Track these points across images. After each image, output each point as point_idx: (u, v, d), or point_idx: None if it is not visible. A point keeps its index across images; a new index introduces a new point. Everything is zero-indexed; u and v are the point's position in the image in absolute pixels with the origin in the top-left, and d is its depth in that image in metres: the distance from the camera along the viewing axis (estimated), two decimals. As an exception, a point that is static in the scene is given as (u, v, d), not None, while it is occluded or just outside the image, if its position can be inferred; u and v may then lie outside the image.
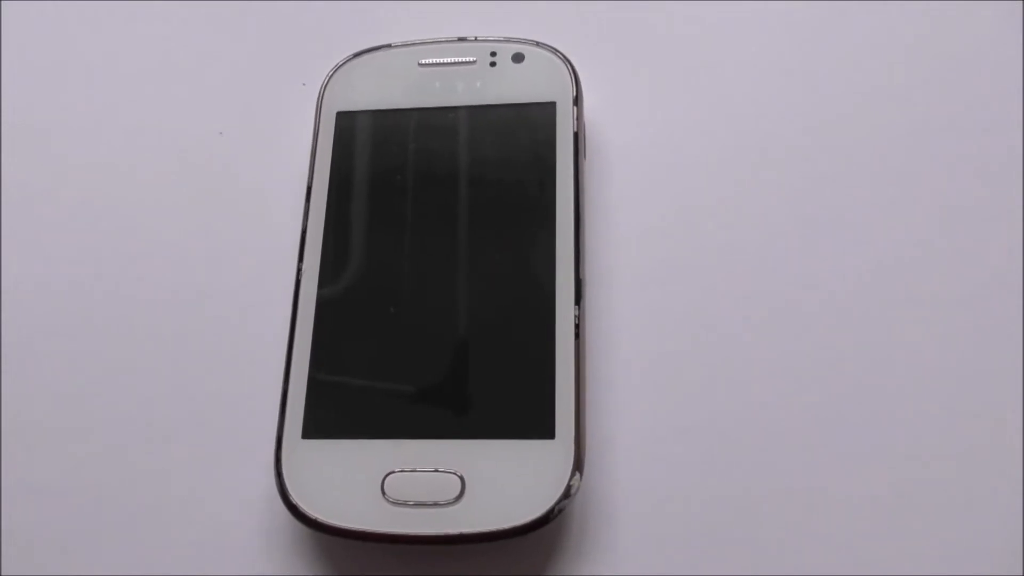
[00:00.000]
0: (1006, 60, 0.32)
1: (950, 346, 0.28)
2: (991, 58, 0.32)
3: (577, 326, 0.26)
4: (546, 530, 0.25)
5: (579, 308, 0.26)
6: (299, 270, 0.28)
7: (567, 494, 0.24)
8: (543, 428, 0.25)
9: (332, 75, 0.31)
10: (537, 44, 0.31)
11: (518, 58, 0.30)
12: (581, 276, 0.27)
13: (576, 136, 0.29)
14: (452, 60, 0.31)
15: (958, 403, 0.27)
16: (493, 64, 0.30)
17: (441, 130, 0.30)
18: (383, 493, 0.25)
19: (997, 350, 0.27)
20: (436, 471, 0.25)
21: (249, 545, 0.27)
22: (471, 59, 0.31)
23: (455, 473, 0.25)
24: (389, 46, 0.31)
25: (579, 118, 0.29)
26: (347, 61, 0.31)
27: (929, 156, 0.30)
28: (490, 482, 0.25)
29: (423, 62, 0.31)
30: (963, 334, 0.28)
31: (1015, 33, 0.32)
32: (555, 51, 0.30)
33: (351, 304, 0.28)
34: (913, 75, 0.32)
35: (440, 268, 0.28)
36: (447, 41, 0.31)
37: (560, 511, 0.24)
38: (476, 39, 0.31)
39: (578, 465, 0.25)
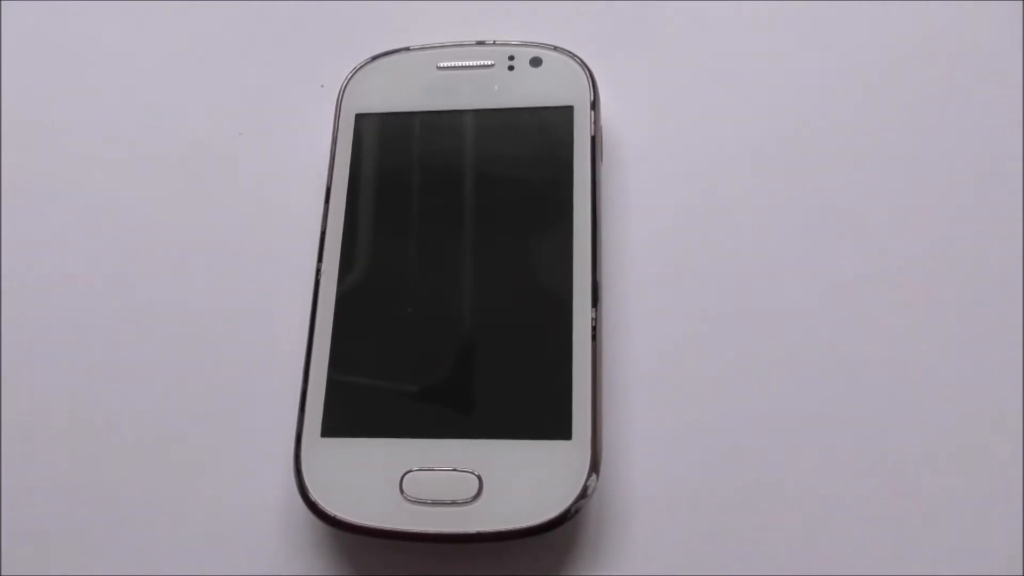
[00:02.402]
0: (1007, 60, 0.32)
1: (956, 348, 0.28)
2: (993, 59, 0.32)
3: (594, 328, 0.26)
4: (562, 530, 0.25)
5: (596, 311, 0.27)
6: (318, 271, 0.28)
7: (584, 494, 0.24)
8: (560, 429, 0.25)
9: (351, 77, 0.31)
10: (555, 48, 0.31)
11: (536, 62, 0.31)
12: (598, 279, 0.27)
13: (593, 140, 0.29)
14: (470, 64, 0.31)
15: (961, 405, 0.27)
16: (511, 68, 0.31)
17: (459, 133, 0.30)
18: (401, 491, 0.25)
19: (1000, 352, 0.28)
20: (454, 470, 0.25)
21: (268, 542, 0.27)
22: (489, 63, 0.31)
23: (473, 472, 0.25)
24: (408, 49, 0.32)
25: (596, 122, 0.29)
26: (366, 64, 0.31)
27: (938, 158, 0.31)
28: (507, 482, 0.25)
29: (441, 65, 0.31)
30: (968, 337, 0.28)
31: (1015, 33, 0.32)
32: (573, 55, 0.31)
33: (370, 304, 0.28)
34: (922, 77, 0.32)
35: (458, 270, 0.28)
36: (465, 45, 0.31)
37: (576, 511, 0.24)
38: (494, 43, 0.31)
39: (595, 466, 0.25)
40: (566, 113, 0.30)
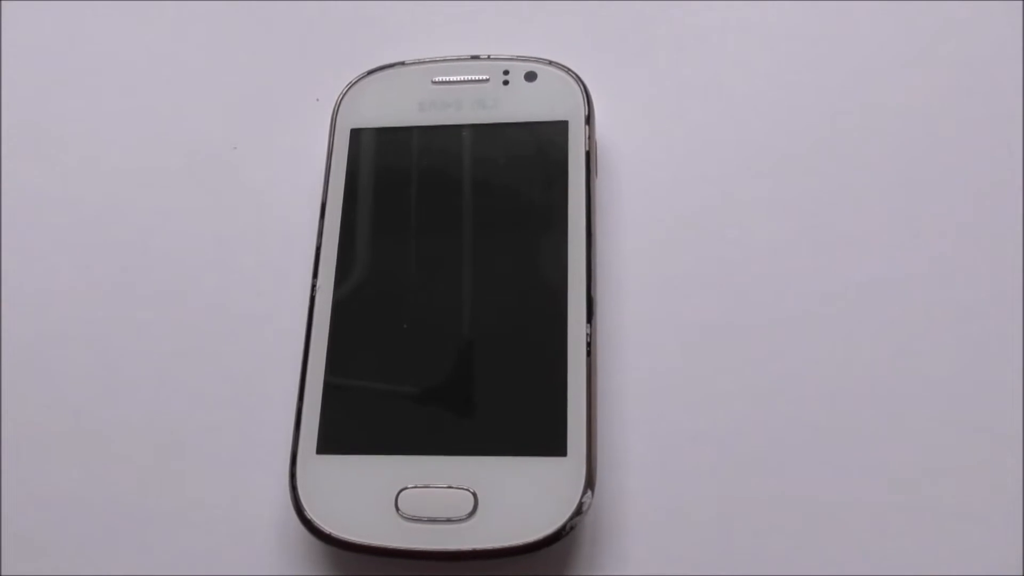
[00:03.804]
0: (1007, 63, 0.32)
1: (956, 356, 0.28)
2: (993, 63, 0.32)
3: (589, 344, 0.26)
4: (558, 547, 0.25)
5: (591, 326, 0.27)
6: (313, 286, 0.28)
7: (579, 511, 0.25)
8: (555, 446, 0.25)
9: (346, 92, 0.31)
10: (550, 63, 0.31)
11: (531, 77, 0.31)
12: (593, 294, 0.27)
13: (588, 155, 0.29)
14: (465, 78, 0.31)
15: (961, 410, 0.27)
16: (506, 83, 0.31)
17: (454, 148, 0.30)
18: (397, 509, 0.25)
19: (1001, 360, 0.28)
20: (449, 487, 0.25)
21: (264, 559, 0.27)
22: (484, 77, 0.31)
23: (468, 489, 0.25)
24: (403, 64, 0.32)
25: (591, 137, 0.30)
26: (361, 78, 0.32)
27: (936, 166, 0.31)
28: (503, 499, 0.25)
29: (436, 80, 0.31)
30: (969, 344, 0.28)
31: (1015, 33, 0.32)
32: (567, 70, 0.31)
33: (365, 321, 0.28)
34: (922, 83, 0.32)
35: (453, 286, 0.28)
36: (460, 59, 0.31)
37: (572, 528, 0.24)
38: (489, 57, 0.31)
39: (590, 482, 0.25)
40: (561, 128, 0.30)
